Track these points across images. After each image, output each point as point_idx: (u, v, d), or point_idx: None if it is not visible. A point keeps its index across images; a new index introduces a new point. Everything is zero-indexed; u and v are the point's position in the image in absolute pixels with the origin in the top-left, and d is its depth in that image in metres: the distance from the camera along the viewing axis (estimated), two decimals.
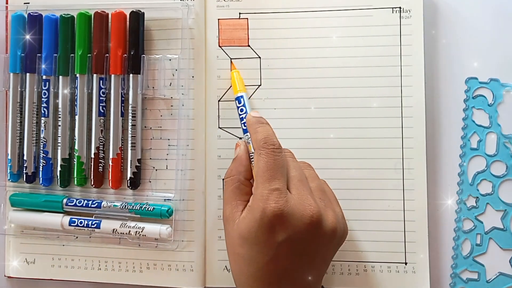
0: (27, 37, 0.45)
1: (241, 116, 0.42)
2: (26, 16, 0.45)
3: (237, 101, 0.43)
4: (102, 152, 0.45)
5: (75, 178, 0.45)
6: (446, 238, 0.43)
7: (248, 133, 0.41)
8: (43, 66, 0.44)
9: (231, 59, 0.45)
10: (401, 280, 0.43)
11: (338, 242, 0.38)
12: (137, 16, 0.44)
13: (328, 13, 0.44)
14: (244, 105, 0.42)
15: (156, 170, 0.45)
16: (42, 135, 0.45)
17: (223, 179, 0.40)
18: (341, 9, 0.44)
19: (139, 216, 0.44)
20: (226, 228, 0.38)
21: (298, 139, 0.42)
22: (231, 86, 0.44)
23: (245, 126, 0.41)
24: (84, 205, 0.44)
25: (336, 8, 0.44)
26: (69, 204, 0.44)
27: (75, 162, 0.45)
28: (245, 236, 0.36)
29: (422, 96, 0.43)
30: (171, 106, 0.45)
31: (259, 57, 0.45)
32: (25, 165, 0.45)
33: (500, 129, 0.43)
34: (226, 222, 0.38)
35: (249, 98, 0.44)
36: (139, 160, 0.44)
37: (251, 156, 0.40)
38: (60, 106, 0.44)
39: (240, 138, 0.44)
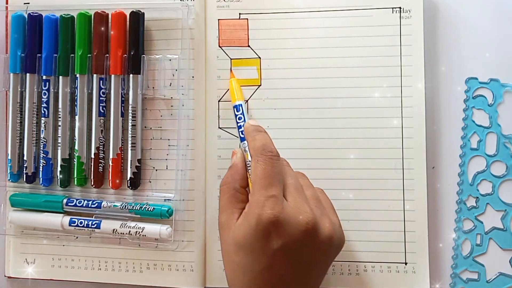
0: (27, 37, 0.45)
1: (239, 124, 0.42)
2: (26, 16, 0.45)
3: (235, 109, 0.42)
4: (102, 152, 0.45)
5: (75, 178, 0.45)
6: (446, 238, 0.43)
7: (245, 141, 0.40)
8: (43, 66, 0.44)
9: (231, 65, 0.45)
10: (401, 280, 0.43)
11: (335, 251, 0.38)
12: (137, 16, 0.44)
13: (328, 13, 0.44)
14: (242, 113, 0.42)
15: (156, 170, 0.45)
16: (42, 135, 0.45)
17: (219, 186, 0.40)
18: (341, 9, 0.44)
19: (139, 216, 0.44)
20: (222, 235, 0.38)
21: (298, 139, 0.42)
22: (228, 90, 0.44)
23: (242, 134, 0.41)
24: (84, 205, 0.44)
25: (336, 8, 0.44)
26: (69, 204, 0.44)
27: (75, 162, 0.45)
28: (240, 243, 0.36)
29: (422, 96, 0.43)
30: (171, 106, 0.45)
31: (259, 57, 0.45)
32: (25, 165, 0.45)
33: (500, 129, 0.43)
34: (222, 230, 0.38)
35: (249, 99, 0.44)
36: (139, 160, 0.44)
37: (248, 164, 0.39)
38: (60, 106, 0.44)
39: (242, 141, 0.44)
